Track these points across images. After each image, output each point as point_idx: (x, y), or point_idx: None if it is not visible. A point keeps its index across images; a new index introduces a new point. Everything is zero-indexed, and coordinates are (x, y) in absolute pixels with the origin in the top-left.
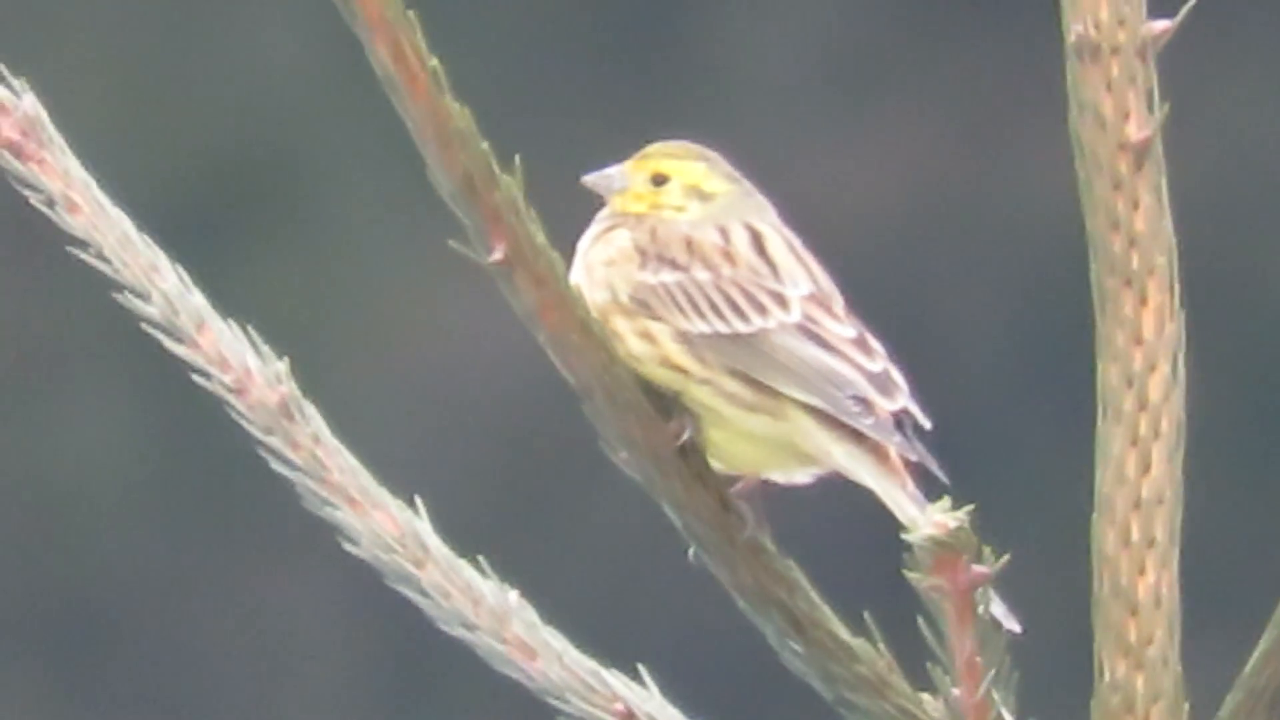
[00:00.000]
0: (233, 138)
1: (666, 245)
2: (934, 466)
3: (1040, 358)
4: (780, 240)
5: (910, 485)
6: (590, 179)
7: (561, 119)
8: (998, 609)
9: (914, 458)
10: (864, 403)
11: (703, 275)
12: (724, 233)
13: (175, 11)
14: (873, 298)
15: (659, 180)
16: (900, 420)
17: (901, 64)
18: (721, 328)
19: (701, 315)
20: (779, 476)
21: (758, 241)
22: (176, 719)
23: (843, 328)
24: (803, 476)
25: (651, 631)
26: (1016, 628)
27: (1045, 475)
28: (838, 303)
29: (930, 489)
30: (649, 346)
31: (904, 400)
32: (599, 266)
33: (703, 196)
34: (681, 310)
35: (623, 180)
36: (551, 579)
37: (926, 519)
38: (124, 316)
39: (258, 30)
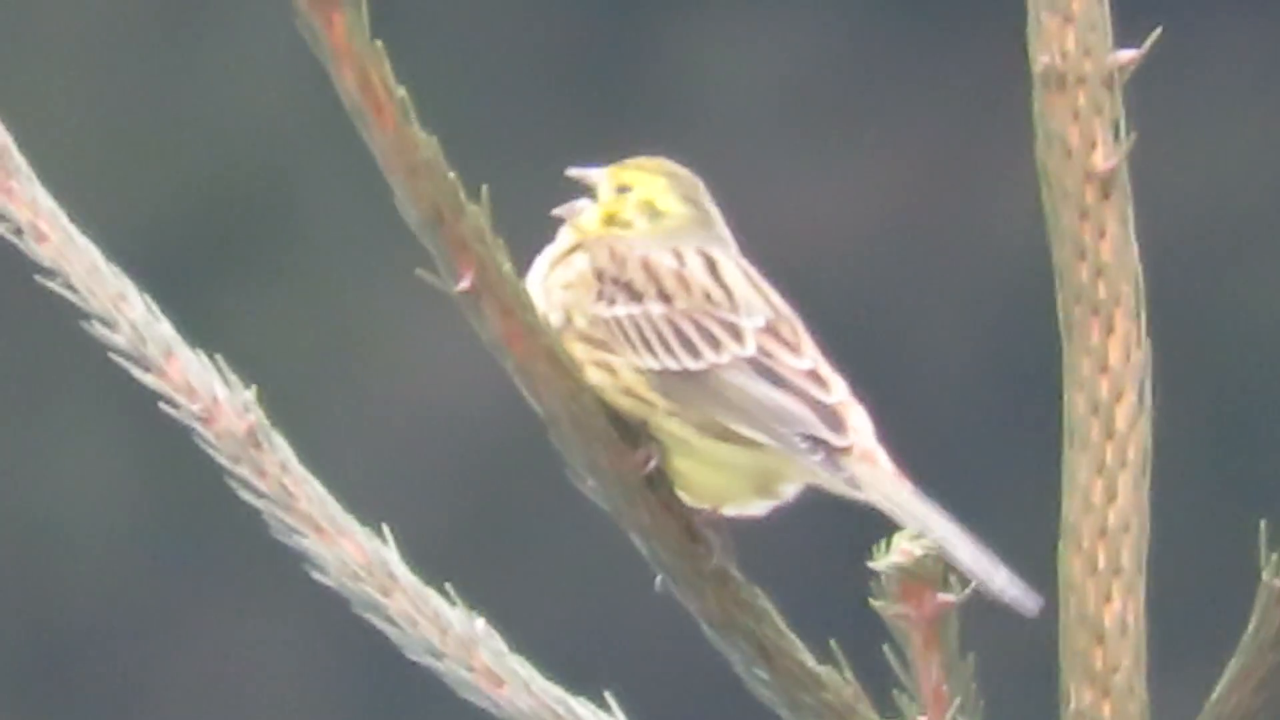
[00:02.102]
0: (203, 169)
1: (624, 266)
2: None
3: (1007, 386)
4: (735, 267)
5: (910, 487)
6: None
7: (530, 148)
8: (1015, 589)
9: (861, 498)
10: (812, 439)
11: (656, 309)
12: (678, 256)
13: (153, 42)
14: (838, 326)
15: (622, 189)
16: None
17: (869, 93)
18: (672, 364)
19: (652, 352)
20: (733, 510)
21: (712, 267)
22: None
23: (797, 360)
24: (758, 509)
25: (618, 659)
26: (1035, 606)
27: (1012, 503)
28: (798, 330)
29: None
30: (610, 378)
31: (854, 436)
32: (557, 290)
33: (653, 214)
34: (634, 347)
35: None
36: (519, 607)
37: (895, 545)
38: (96, 346)
39: (233, 61)
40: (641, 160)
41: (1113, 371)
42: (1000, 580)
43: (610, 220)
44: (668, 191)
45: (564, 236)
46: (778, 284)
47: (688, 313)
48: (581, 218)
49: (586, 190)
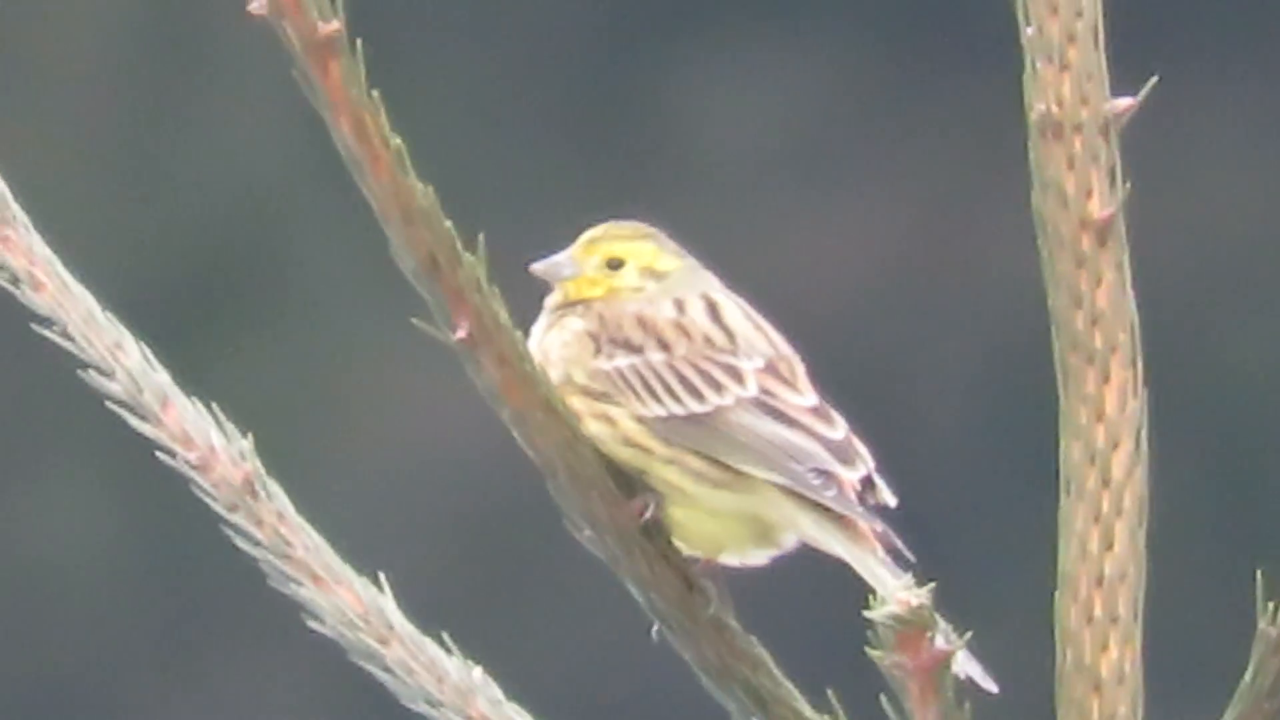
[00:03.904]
0: (200, 217)
1: (618, 326)
2: (898, 541)
3: (1003, 434)
4: (735, 308)
5: (881, 552)
6: (539, 267)
7: (527, 197)
8: (974, 670)
9: (876, 529)
10: (825, 475)
11: (656, 356)
12: (679, 305)
13: (149, 90)
14: (837, 375)
15: (614, 264)
16: (863, 493)
17: (867, 142)
18: (677, 410)
19: (657, 399)
20: (733, 559)
21: (714, 311)
22: None
23: (800, 398)
24: (758, 558)
25: (615, 708)
26: (994, 688)
27: (1008, 552)
28: (798, 368)
29: (895, 561)
30: (609, 428)
31: (865, 469)
32: (555, 349)
33: (657, 275)
34: (637, 395)
35: (573, 267)
36: (515, 656)
37: (891, 594)
38: (92, 395)
39: (230, 109)
40: (612, 230)
41: (1109, 420)
42: (958, 659)
43: (615, 292)
44: (660, 252)
45: (551, 303)
46: (770, 321)
47: (687, 358)
48: (583, 288)
49: (553, 274)
